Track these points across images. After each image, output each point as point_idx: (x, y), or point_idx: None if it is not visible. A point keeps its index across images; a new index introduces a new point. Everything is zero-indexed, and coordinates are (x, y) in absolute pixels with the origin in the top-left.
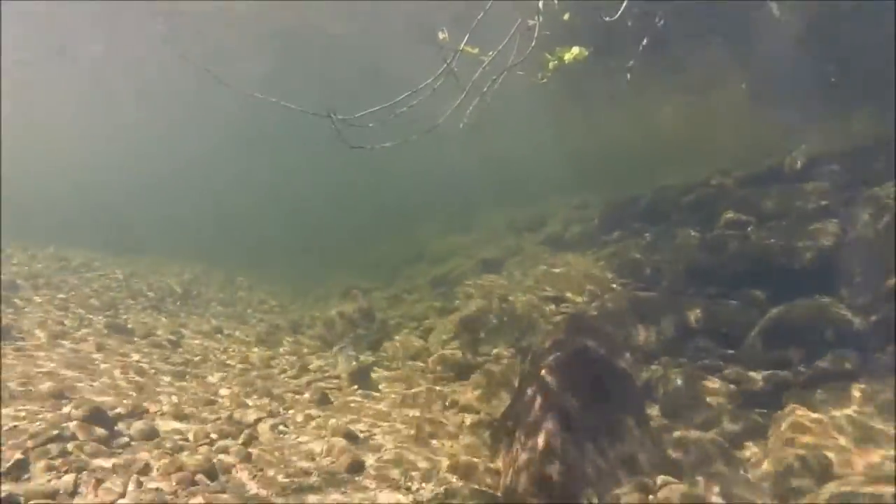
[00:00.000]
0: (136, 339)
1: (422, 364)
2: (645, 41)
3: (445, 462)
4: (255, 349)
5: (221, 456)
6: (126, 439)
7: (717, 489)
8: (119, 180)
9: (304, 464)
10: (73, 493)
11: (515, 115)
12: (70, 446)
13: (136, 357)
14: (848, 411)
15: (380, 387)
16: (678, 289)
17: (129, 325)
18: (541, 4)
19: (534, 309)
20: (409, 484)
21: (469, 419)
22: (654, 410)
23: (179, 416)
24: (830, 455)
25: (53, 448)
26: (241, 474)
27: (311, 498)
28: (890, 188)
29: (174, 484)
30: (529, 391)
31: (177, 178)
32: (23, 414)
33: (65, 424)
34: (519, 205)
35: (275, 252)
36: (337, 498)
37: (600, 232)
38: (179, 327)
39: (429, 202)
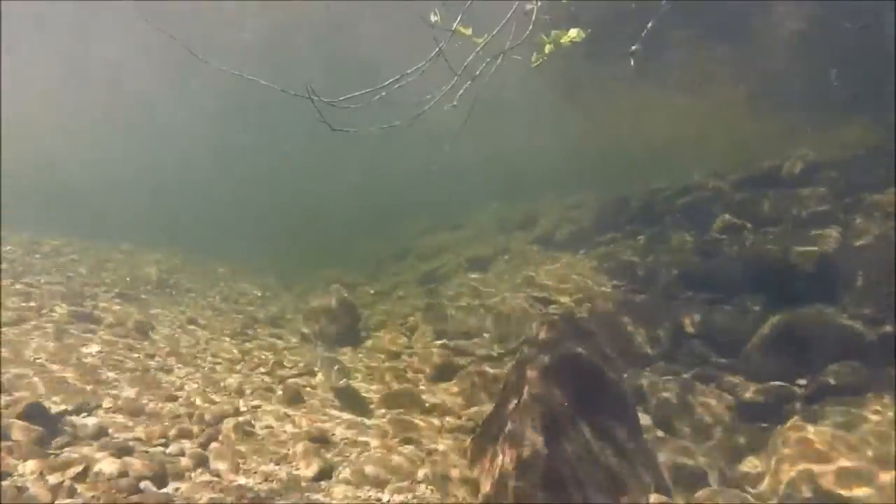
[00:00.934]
0: (100, 328)
1: (404, 363)
2: (650, 24)
3: (421, 471)
4: (230, 342)
5: (175, 459)
6: (68, 439)
7: None
8: (100, 170)
9: (268, 468)
10: None
11: (510, 113)
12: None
13: (96, 348)
14: (857, 429)
15: (358, 387)
16: (672, 293)
17: (95, 314)
18: None
19: (522, 310)
20: (380, 495)
21: (449, 424)
22: (646, 420)
23: (134, 413)
24: (838, 476)
25: None
26: (194, 480)
27: None
28: (890, 195)
29: (112, 492)
30: (514, 397)
31: (160, 169)
32: None
33: None
34: (511, 203)
35: (261, 244)
36: None
37: (593, 232)
38: (150, 317)
39: (420, 199)
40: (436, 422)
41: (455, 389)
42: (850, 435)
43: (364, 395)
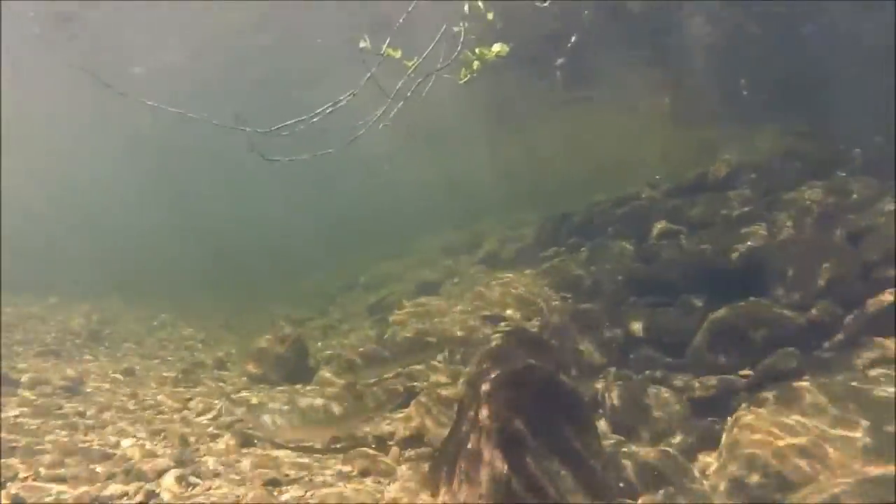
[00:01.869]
0: (21, 390)
1: (356, 394)
2: (574, 38)
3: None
4: (171, 390)
5: None
6: None
7: None
8: (31, 220)
9: None
10: None
11: (448, 139)
12: None
13: (13, 413)
14: (798, 412)
15: (310, 424)
16: (619, 300)
17: (14, 376)
18: (466, 8)
19: (472, 330)
20: None
21: (408, 451)
22: (603, 426)
23: (60, 479)
24: (783, 457)
25: None
26: None
27: None
28: (802, 192)
29: None
30: (469, 416)
31: (83, 207)
32: None
33: None
34: (456, 227)
35: (203, 284)
36: None
37: (537, 249)
38: (80, 373)
39: (362, 229)
40: (394, 450)
41: (412, 414)
42: (791, 418)
43: (318, 429)
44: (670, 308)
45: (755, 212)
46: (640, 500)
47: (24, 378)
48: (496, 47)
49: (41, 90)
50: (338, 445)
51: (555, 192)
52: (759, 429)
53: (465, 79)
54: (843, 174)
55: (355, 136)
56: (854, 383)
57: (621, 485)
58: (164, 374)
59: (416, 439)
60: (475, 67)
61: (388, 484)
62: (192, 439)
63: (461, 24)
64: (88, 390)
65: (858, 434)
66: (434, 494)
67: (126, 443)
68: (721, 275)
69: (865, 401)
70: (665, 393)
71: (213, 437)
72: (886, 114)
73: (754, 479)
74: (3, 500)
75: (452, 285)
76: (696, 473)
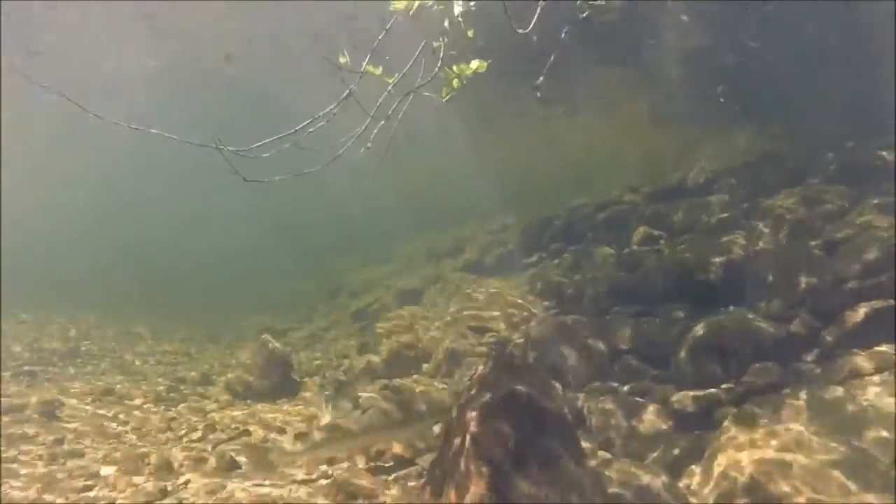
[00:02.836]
0: None
1: (344, 410)
2: (552, 57)
3: None
4: (153, 410)
5: None
6: None
7: None
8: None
9: None
10: None
11: (428, 141)
12: None
13: None
14: (780, 426)
15: (297, 443)
16: (602, 309)
17: None
18: (446, 23)
19: (458, 342)
20: None
21: (396, 473)
22: (589, 443)
23: None
24: (767, 471)
25: None
26: None
27: None
28: (779, 199)
29: None
30: (457, 441)
31: (57, 223)
32: None
33: None
34: (437, 232)
35: (184, 296)
36: None
37: (519, 255)
38: (58, 394)
39: (346, 235)
40: (383, 470)
41: (400, 434)
42: (773, 432)
43: (304, 447)
44: (654, 318)
45: (733, 219)
46: None
47: (2, 401)
48: (474, 64)
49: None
50: (326, 466)
51: (537, 196)
52: (743, 443)
53: (447, 97)
54: (817, 181)
55: (336, 155)
56: (833, 396)
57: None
58: (146, 392)
59: (405, 459)
60: (455, 85)
61: None
62: (176, 464)
63: (441, 40)
64: (66, 414)
65: (838, 447)
66: None
67: (107, 471)
68: (702, 284)
69: (845, 414)
70: (650, 406)
71: (199, 460)
72: (858, 118)
73: (738, 493)
74: None
75: (436, 292)
76: (682, 489)
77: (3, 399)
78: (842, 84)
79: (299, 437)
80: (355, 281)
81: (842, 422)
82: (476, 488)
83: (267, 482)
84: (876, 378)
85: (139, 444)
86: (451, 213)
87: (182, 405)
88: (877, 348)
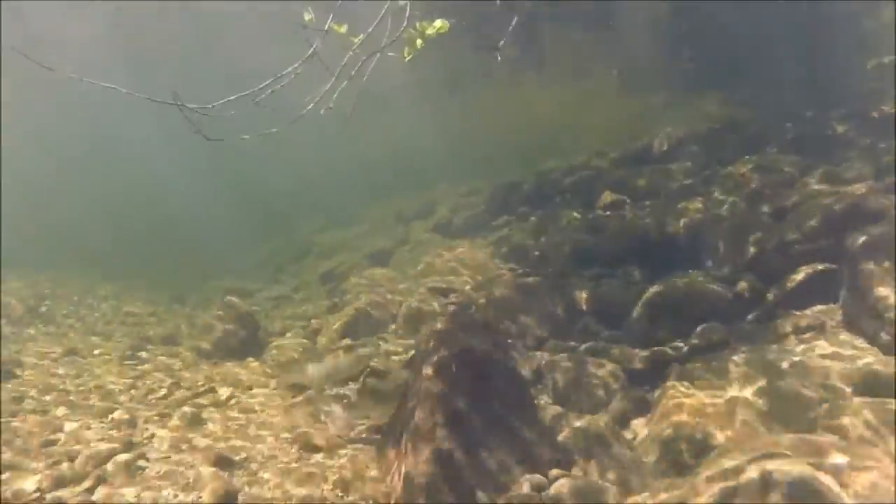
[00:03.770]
0: None
1: (308, 368)
2: (515, 20)
3: (330, 479)
4: (118, 368)
5: None
6: None
7: (609, 476)
8: None
9: (165, 502)
10: None
11: (397, 105)
12: None
13: None
14: (721, 381)
15: (262, 398)
16: (565, 271)
17: None
18: None
19: (424, 301)
20: None
21: (359, 426)
22: (544, 398)
23: None
24: (706, 426)
25: None
26: None
27: None
28: (739, 166)
29: None
30: (413, 395)
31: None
32: None
33: None
34: (406, 196)
35: (147, 257)
36: None
37: (488, 218)
38: (16, 354)
39: (314, 197)
40: (346, 427)
41: (362, 390)
42: (714, 387)
43: (269, 405)
44: (613, 280)
45: (693, 186)
46: (574, 471)
47: None
48: (437, 23)
49: None
50: (288, 423)
51: (506, 160)
52: (686, 397)
53: (409, 57)
54: (774, 150)
55: (299, 116)
56: (770, 354)
57: (558, 457)
58: (110, 351)
59: (366, 415)
60: (418, 45)
61: (339, 459)
62: (140, 421)
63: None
64: (27, 373)
65: (769, 399)
66: (381, 469)
67: (70, 426)
68: (661, 248)
69: (778, 369)
70: (604, 364)
71: (163, 416)
72: (820, 88)
73: (678, 443)
74: None
75: (405, 253)
76: (628, 439)
77: None
78: (806, 54)
79: (264, 394)
80: (324, 243)
81: (775, 376)
82: (432, 439)
83: (229, 436)
84: (807, 336)
85: (103, 401)
86: (421, 177)
87: (147, 364)
88: (813, 309)
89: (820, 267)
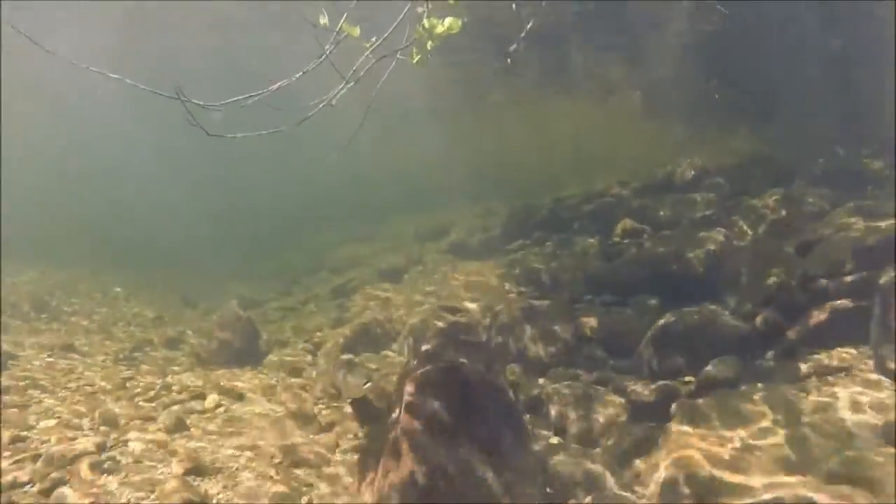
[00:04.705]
0: None
1: (305, 381)
2: (529, 24)
3: (307, 495)
4: (112, 367)
5: None
6: None
7: None
8: None
9: None
10: None
11: (422, 126)
12: None
13: None
14: (733, 420)
15: (251, 407)
16: (575, 297)
17: None
18: None
19: (427, 320)
20: None
21: (345, 443)
22: (543, 426)
23: None
24: (715, 468)
25: None
26: None
27: None
28: (764, 199)
29: None
30: (396, 411)
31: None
32: None
33: None
34: (427, 212)
35: (165, 261)
36: None
37: (503, 240)
38: (12, 347)
39: (335, 211)
40: (332, 440)
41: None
42: (725, 426)
43: (257, 416)
44: (625, 309)
45: (716, 216)
46: None
47: None
48: (448, 21)
49: None
50: (275, 433)
51: (526, 181)
52: (694, 436)
53: (417, 59)
54: (803, 183)
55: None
56: (787, 395)
57: (548, 489)
58: (108, 350)
59: (356, 430)
60: (429, 48)
61: (319, 476)
62: (122, 422)
63: (425, 6)
64: (18, 367)
65: (784, 444)
66: (360, 486)
67: (45, 424)
68: (678, 278)
69: (797, 412)
70: (608, 395)
71: (146, 419)
72: (850, 125)
73: (683, 486)
74: None
75: (417, 272)
76: (628, 478)
77: None
78: (840, 89)
79: (254, 403)
80: (339, 257)
81: (793, 420)
82: (408, 461)
83: (209, 444)
84: (831, 379)
85: (88, 399)
86: (440, 196)
87: (143, 366)
88: (839, 349)
89: (848, 304)
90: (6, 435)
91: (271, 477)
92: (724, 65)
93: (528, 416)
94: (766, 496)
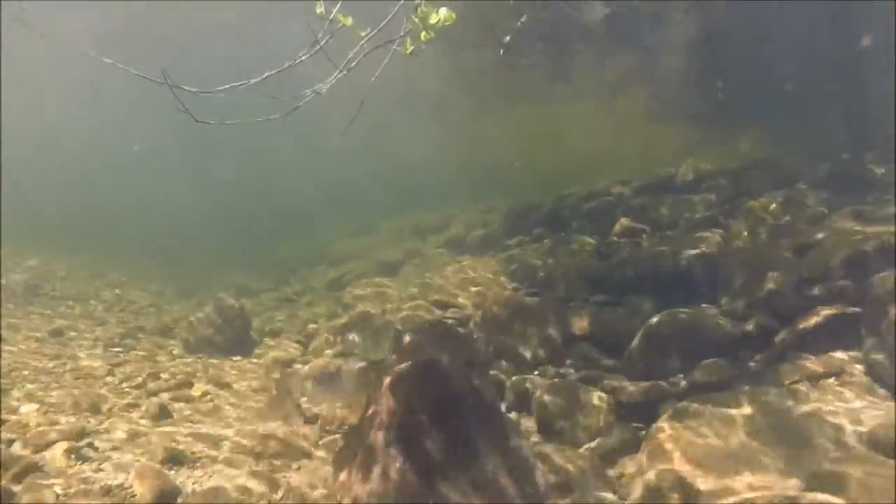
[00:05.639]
0: None
1: (293, 371)
2: (524, 18)
3: (283, 488)
4: (100, 355)
5: None
6: None
7: None
8: None
9: (96, 496)
10: None
11: (426, 123)
12: None
13: None
14: (719, 423)
15: (235, 397)
16: (570, 295)
17: None
18: None
19: (419, 315)
20: None
21: (327, 437)
22: (529, 424)
23: None
24: (699, 470)
25: None
26: None
27: None
28: (763, 201)
29: None
30: (372, 408)
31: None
32: None
33: None
34: (428, 208)
35: (166, 251)
36: None
37: (502, 236)
38: (4, 329)
39: (339, 205)
40: (314, 433)
41: (343, 397)
42: (711, 428)
43: (243, 406)
44: (618, 308)
45: (715, 217)
46: None
47: None
48: (442, 12)
49: None
50: (255, 425)
51: (530, 179)
52: (679, 438)
53: (411, 50)
54: (805, 186)
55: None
56: (774, 398)
57: (528, 489)
58: (98, 337)
59: (339, 423)
60: (423, 38)
61: (298, 469)
62: (105, 408)
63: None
64: (7, 349)
65: (770, 447)
66: (336, 483)
67: (27, 408)
68: (673, 278)
69: (782, 416)
70: (595, 395)
71: (130, 407)
72: (857, 130)
73: (668, 486)
74: None
75: (413, 266)
76: (612, 478)
77: None
78: (845, 94)
79: (240, 393)
80: (339, 250)
81: (779, 424)
82: (382, 459)
83: (191, 432)
84: (821, 382)
85: (73, 385)
86: (444, 192)
87: (132, 353)
88: (831, 353)
89: (840, 309)
90: None
91: (250, 467)
92: (732, 66)
93: (513, 413)
94: (749, 494)
